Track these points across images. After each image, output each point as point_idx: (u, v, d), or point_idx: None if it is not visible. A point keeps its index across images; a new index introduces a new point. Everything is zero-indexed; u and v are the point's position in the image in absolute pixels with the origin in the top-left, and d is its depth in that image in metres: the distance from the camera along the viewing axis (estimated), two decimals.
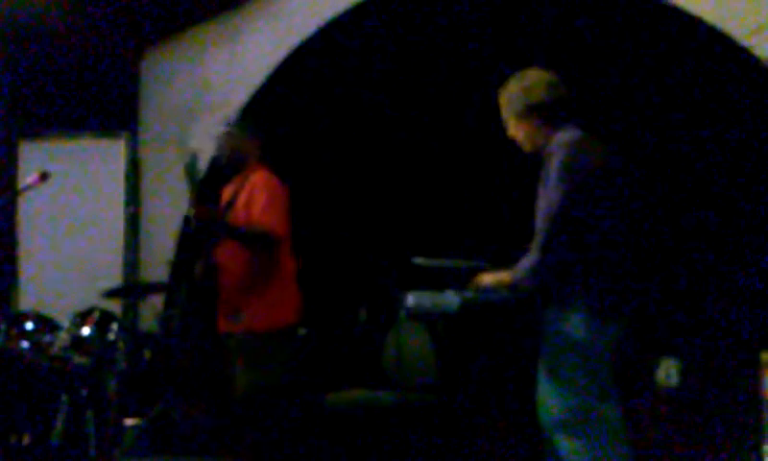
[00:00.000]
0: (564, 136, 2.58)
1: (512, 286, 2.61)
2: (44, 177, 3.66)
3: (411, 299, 2.72)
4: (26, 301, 5.18)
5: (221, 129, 3.45)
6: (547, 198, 2.52)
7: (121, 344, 5.05)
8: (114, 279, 5.94)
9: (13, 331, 5.01)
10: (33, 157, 6.16)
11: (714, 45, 3.80)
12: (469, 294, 2.69)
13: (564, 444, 2.60)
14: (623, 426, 2.53)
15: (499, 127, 2.85)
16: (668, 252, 3.96)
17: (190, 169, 3.21)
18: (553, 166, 2.53)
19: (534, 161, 2.80)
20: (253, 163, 3.41)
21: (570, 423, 2.57)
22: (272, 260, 3.27)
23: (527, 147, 2.76)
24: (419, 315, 2.81)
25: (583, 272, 2.54)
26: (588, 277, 2.53)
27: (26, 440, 4.76)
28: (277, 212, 3.24)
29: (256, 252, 3.26)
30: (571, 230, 2.49)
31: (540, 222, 2.54)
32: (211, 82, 6.08)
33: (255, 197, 3.27)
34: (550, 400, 2.64)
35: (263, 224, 3.22)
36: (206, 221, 3.21)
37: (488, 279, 2.68)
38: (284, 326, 3.30)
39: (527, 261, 2.56)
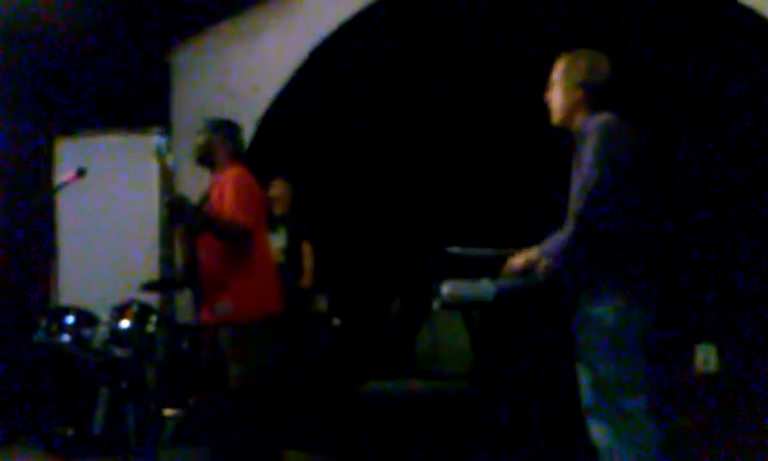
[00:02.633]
0: (601, 119, 2.58)
1: (541, 266, 2.58)
2: (81, 173, 3.71)
3: (446, 288, 2.72)
4: (66, 295, 5.27)
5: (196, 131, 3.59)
6: (582, 179, 2.51)
7: (159, 336, 5.13)
8: (151, 272, 6.02)
9: (55, 326, 5.10)
10: (68, 155, 6.26)
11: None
12: (505, 282, 2.69)
13: (594, 427, 2.61)
14: (650, 419, 2.51)
15: (529, 115, 2.84)
16: (705, 238, 3.93)
17: (159, 155, 3.33)
18: (589, 147, 2.52)
19: (563, 149, 2.80)
20: (226, 161, 3.54)
21: (599, 410, 2.57)
22: (243, 253, 3.36)
23: (557, 117, 2.76)
24: (454, 304, 2.81)
25: (614, 255, 2.52)
26: (620, 260, 2.52)
27: (68, 431, 4.86)
28: (245, 206, 3.34)
29: (227, 243, 3.34)
30: (605, 210, 2.48)
31: (573, 202, 2.53)
32: (236, 78, 6.13)
33: (226, 192, 3.39)
34: (583, 383, 2.65)
35: (230, 216, 3.31)
36: (178, 208, 3.31)
37: (517, 260, 2.67)
38: (260, 315, 3.36)
39: (558, 238, 2.56)
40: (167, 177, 3.33)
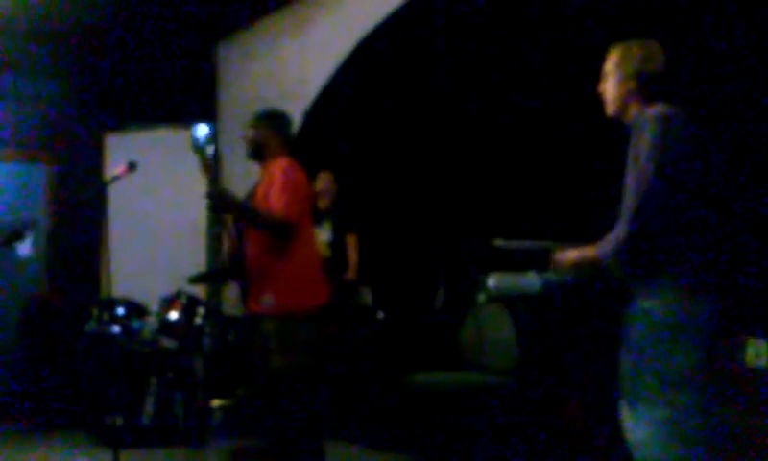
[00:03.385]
0: (657, 110, 2.53)
1: (596, 262, 2.55)
2: (131, 167, 3.73)
3: (492, 280, 2.70)
4: (116, 287, 5.37)
5: (245, 124, 3.58)
6: (637, 171, 2.46)
7: (207, 327, 5.20)
8: (199, 264, 6.10)
9: (105, 317, 5.22)
10: (117, 149, 6.38)
11: None
12: (552, 275, 2.67)
13: (628, 419, 2.53)
14: (697, 415, 2.43)
15: (576, 109, 2.81)
16: (755, 229, 3.84)
17: (197, 147, 3.30)
18: (644, 140, 2.47)
19: (613, 143, 2.76)
20: (274, 153, 3.49)
21: (637, 402, 2.51)
22: (288, 245, 3.33)
23: (611, 108, 2.71)
24: (499, 297, 2.79)
25: (670, 248, 2.48)
26: (676, 254, 2.48)
27: (118, 421, 4.96)
28: (291, 200, 3.30)
29: (271, 237, 3.33)
30: (661, 205, 2.43)
31: (630, 196, 2.49)
32: (284, 70, 6.16)
33: (273, 185, 3.37)
34: (624, 374, 2.58)
35: (275, 209, 3.30)
36: (218, 201, 3.32)
37: (571, 254, 2.63)
38: (304, 308, 3.34)
39: (614, 235, 2.50)
40: (207, 168, 3.31)
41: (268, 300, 3.34)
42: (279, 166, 3.39)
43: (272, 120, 3.55)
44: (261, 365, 3.37)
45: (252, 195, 3.55)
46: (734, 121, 3.82)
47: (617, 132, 2.71)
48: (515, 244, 2.90)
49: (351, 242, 5.37)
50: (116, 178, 3.76)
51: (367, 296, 5.37)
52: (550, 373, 4.28)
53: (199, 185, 3.40)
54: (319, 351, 3.38)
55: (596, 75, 2.79)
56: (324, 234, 5.29)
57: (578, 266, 2.61)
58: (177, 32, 6.63)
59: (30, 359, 5.99)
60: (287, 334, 3.29)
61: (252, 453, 4.69)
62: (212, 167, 3.33)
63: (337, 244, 5.32)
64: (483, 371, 4.29)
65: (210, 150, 3.34)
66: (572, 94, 4.05)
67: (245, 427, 5.13)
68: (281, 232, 3.30)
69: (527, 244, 2.88)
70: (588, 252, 2.58)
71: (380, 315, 5.27)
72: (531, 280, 2.67)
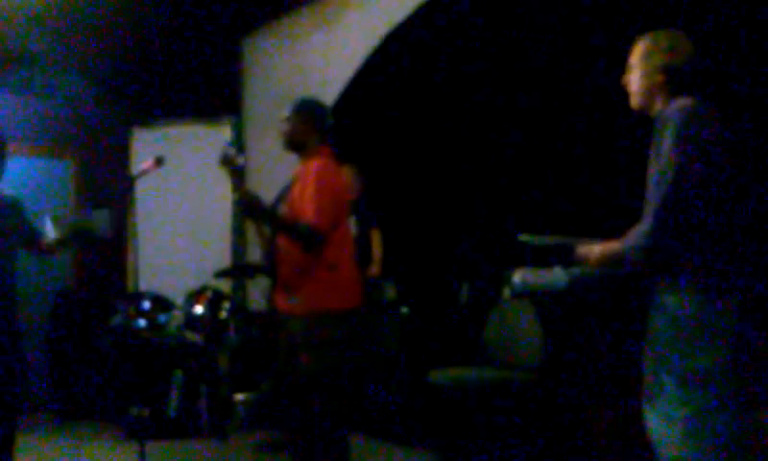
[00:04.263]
0: (681, 103, 2.49)
1: (621, 258, 2.52)
2: (159, 162, 3.73)
3: (518, 276, 2.68)
4: (143, 281, 5.42)
5: (282, 116, 3.49)
6: (661, 166, 2.43)
7: (232, 322, 5.24)
8: (224, 260, 6.14)
9: (132, 310, 5.27)
10: (144, 144, 6.43)
11: None
12: (578, 270, 2.64)
13: (650, 416, 2.51)
14: (721, 414, 2.39)
15: (602, 102, 2.77)
16: None
17: (225, 159, 3.26)
18: (668, 133, 2.44)
19: (636, 137, 2.73)
20: (312, 150, 3.41)
21: (659, 399, 2.49)
22: (316, 250, 3.28)
23: (636, 101, 2.67)
24: (525, 292, 2.77)
25: (696, 245, 2.44)
26: (702, 250, 2.44)
27: (144, 413, 5.00)
28: (322, 205, 3.23)
29: (299, 244, 3.30)
30: (685, 200, 2.40)
31: (653, 190, 2.45)
32: (310, 65, 6.16)
33: (307, 189, 3.29)
34: (647, 370, 2.56)
35: (307, 217, 3.24)
36: (250, 210, 3.28)
37: (596, 249, 2.60)
38: (334, 308, 3.30)
39: (638, 230, 2.47)
40: (235, 179, 3.28)
41: (297, 299, 3.31)
42: (314, 168, 3.32)
43: (310, 110, 3.45)
44: (287, 363, 3.36)
45: (286, 192, 3.50)
46: (762, 117, 3.77)
47: (640, 125, 2.68)
48: (540, 239, 2.87)
49: (375, 237, 5.37)
50: (144, 172, 3.77)
51: (391, 291, 5.36)
52: (576, 370, 4.25)
53: (224, 180, 3.39)
54: (346, 351, 3.35)
55: (620, 68, 2.76)
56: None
57: (603, 261, 2.59)
58: (203, 27, 6.67)
59: (57, 352, 6.05)
60: (315, 335, 3.26)
61: (276, 446, 4.71)
62: (241, 178, 3.30)
63: (361, 239, 5.32)
64: (507, 367, 4.27)
65: (240, 161, 3.30)
66: (598, 87, 4.02)
67: (269, 421, 5.16)
68: (310, 243, 3.25)
69: (553, 240, 2.86)
70: (612, 246, 2.55)
71: (404, 310, 5.26)
72: (557, 276, 2.65)
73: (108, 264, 6.36)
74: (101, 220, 3.78)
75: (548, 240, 2.84)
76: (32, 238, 3.76)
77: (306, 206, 3.25)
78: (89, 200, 6.41)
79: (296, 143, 3.44)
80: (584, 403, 4.15)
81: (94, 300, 6.17)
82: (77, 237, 3.78)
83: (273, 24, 6.56)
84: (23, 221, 3.73)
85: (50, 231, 3.72)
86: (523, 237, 2.89)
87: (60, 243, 3.78)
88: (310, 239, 3.22)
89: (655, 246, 2.44)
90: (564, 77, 4.70)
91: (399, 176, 5.70)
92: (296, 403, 3.35)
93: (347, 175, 5.33)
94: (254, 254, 5.98)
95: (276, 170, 3.92)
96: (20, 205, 3.74)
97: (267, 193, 3.70)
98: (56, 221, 3.73)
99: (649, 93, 2.63)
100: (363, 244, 5.30)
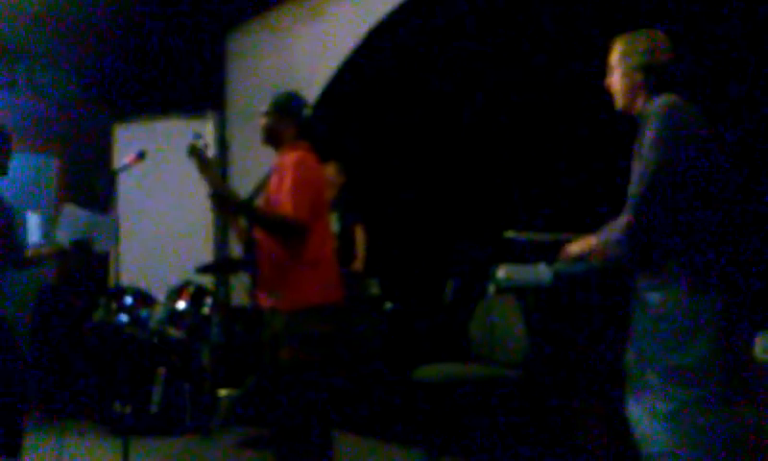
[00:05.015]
0: (662, 101, 2.51)
1: (600, 252, 2.53)
2: (141, 156, 3.72)
3: (502, 271, 2.69)
4: (125, 276, 5.38)
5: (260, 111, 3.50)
6: (643, 162, 2.45)
7: (214, 317, 5.21)
8: (206, 255, 6.11)
9: (114, 305, 5.23)
10: (126, 139, 6.39)
11: None
12: (562, 267, 2.65)
13: (634, 411, 2.53)
14: (704, 410, 2.40)
15: (583, 100, 2.78)
16: (762, 221, 3.81)
17: (194, 151, 3.23)
18: (649, 130, 2.46)
19: (622, 131, 2.74)
20: (289, 144, 3.40)
21: (643, 395, 2.50)
22: (297, 242, 3.27)
23: (619, 102, 2.69)
24: (509, 288, 2.78)
25: (678, 240, 2.45)
26: (684, 246, 2.45)
27: (126, 409, 4.97)
28: (300, 198, 3.21)
29: (278, 237, 3.29)
30: (666, 195, 2.41)
31: (634, 185, 2.48)
32: (294, 60, 6.15)
33: (284, 181, 3.27)
34: (630, 366, 2.58)
35: (285, 209, 3.22)
36: (222, 204, 3.26)
37: (575, 247, 2.62)
38: (315, 303, 3.30)
39: (616, 224, 2.49)
40: (206, 171, 3.25)
41: (278, 295, 3.30)
42: (291, 161, 3.31)
43: (287, 105, 3.47)
44: (270, 359, 3.35)
45: (263, 185, 3.49)
46: (743, 114, 3.80)
47: (626, 124, 2.70)
48: (525, 236, 2.88)
49: (359, 233, 5.37)
50: (125, 167, 3.75)
51: (375, 287, 5.36)
52: (559, 366, 4.27)
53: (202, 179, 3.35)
54: (328, 345, 3.35)
55: (604, 67, 2.77)
56: (331, 225, 5.28)
57: (582, 256, 2.60)
58: (187, 22, 6.63)
59: (39, 348, 6.01)
60: (297, 330, 3.25)
61: (259, 442, 4.70)
62: (212, 168, 3.27)
63: (344, 235, 5.31)
64: (492, 363, 4.28)
65: (209, 152, 3.27)
66: (584, 86, 4.03)
67: (251, 417, 5.15)
68: (290, 235, 3.25)
69: (537, 236, 2.87)
70: (590, 241, 2.57)
71: (388, 306, 5.27)
72: (541, 272, 2.66)
73: (90, 259, 6.31)
74: (107, 230, 3.74)
75: (533, 237, 2.85)
76: (16, 248, 3.70)
77: (284, 199, 3.23)
78: (73, 194, 6.36)
79: (273, 137, 3.44)
80: (568, 399, 4.17)
81: (76, 295, 6.12)
82: (77, 248, 3.72)
83: (257, 19, 6.54)
84: (12, 228, 3.67)
85: (34, 230, 3.69)
86: (508, 233, 2.91)
87: (45, 257, 3.76)
88: (289, 231, 3.21)
89: (631, 239, 2.45)
90: (550, 69, 4.71)
91: (384, 171, 5.69)
92: (278, 399, 3.34)
93: (329, 170, 5.32)
94: (237, 249, 5.95)
95: (260, 165, 3.90)
96: (15, 214, 3.69)
97: (250, 186, 3.67)
98: (64, 223, 3.68)
99: (630, 93, 2.65)
100: (346, 240, 5.30)
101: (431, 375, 4.25)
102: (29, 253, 3.76)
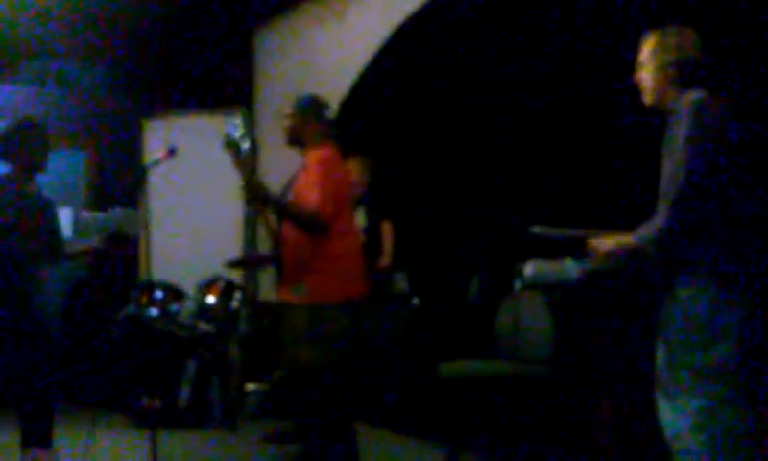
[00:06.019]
0: (692, 97, 2.49)
1: (634, 251, 2.52)
2: (171, 152, 3.75)
3: (529, 268, 2.68)
4: (156, 271, 5.44)
5: (284, 112, 3.56)
6: (674, 159, 2.44)
7: (243, 312, 5.26)
8: (235, 250, 6.15)
9: (144, 299, 5.30)
10: (156, 135, 6.45)
11: None
12: (590, 263, 2.64)
13: (664, 409, 2.53)
14: (730, 410, 2.41)
15: (610, 97, 2.76)
16: None
17: (229, 143, 3.28)
18: (680, 127, 2.45)
19: (649, 130, 2.72)
20: (312, 142, 3.48)
21: (672, 392, 2.49)
22: (323, 237, 3.31)
23: (648, 98, 2.68)
24: (536, 285, 2.77)
25: (709, 238, 2.44)
26: (715, 244, 2.44)
27: (156, 403, 5.03)
28: (325, 193, 3.28)
29: (305, 230, 3.32)
30: (701, 194, 2.40)
31: (668, 184, 2.46)
32: (320, 58, 6.16)
33: (310, 177, 3.35)
34: (659, 363, 2.56)
35: (309, 203, 3.29)
36: (254, 195, 3.32)
37: (608, 242, 2.61)
38: (339, 299, 3.31)
39: (653, 224, 2.47)
40: (240, 163, 3.30)
41: (300, 290, 3.33)
42: (316, 158, 3.37)
43: (309, 107, 3.54)
44: (292, 354, 3.37)
45: (290, 184, 3.54)
46: None
47: (653, 119, 2.68)
48: (552, 231, 2.86)
49: (386, 229, 5.37)
50: (156, 163, 3.79)
51: (402, 282, 5.36)
52: (585, 363, 4.24)
53: (235, 172, 3.40)
54: (351, 341, 3.37)
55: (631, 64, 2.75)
56: (357, 221, 5.29)
57: (615, 253, 2.59)
58: (215, 19, 6.68)
59: (71, 342, 6.09)
60: (318, 325, 3.28)
61: (286, 437, 4.73)
62: (246, 161, 3.33)
63: (371, 230, 5.32)
64: (518, 360, 4.27)
65: (245, 144, 3.33)
66: (613, 81, 4.00)
67: (278, 411, 5.18)
68: (314, 229, 3.28)
69: (565, 232, 2.85)
70: (625, 239, 2.55)
71: (415, 302, 5.27)
72: (568, 268, 2.65)
73: (121, 254, 6.39)
74: (131, 221, 3.77)
75: (560, 232, 2.84)
76: (56, 245, 3.74)
77: (310, 194, 3.29)
78: (103, 190, 6.45)
79: (297, 138, 3.52)
80: (593, 397, 4.14)
81: (107, 289, 6.20)
82: (110, 242, 3.75)
83: (284, 16, 6.57)
84: (55, 228, 3.71)
85: (66, 227, 3.72)
86: (535, 229, 2.89)
87: (83, 252, 3.80)
88: (313, 224, 3.26)
89: (670, 240, 2.44)
90: (577, 69, 4.69)
91: (410, 168, 5.70)
92: (300, 394, 3.37)
93: (354, 167, 5.34)
94: (266, 245, 5.99)
95: (287, 162, 3.93)
96: (55, 209, 3.73)
97: (278, 185, 3.72)
98: (84, 222, 3.72)
99: (661, 89, 2.64)
100: (373, 235, 5.31)
101: (457, 371, 4.25)
102: (66, 248, 3.80)
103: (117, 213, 3.75)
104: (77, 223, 3.82)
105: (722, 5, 3.84)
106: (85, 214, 3.87)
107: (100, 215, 3.89)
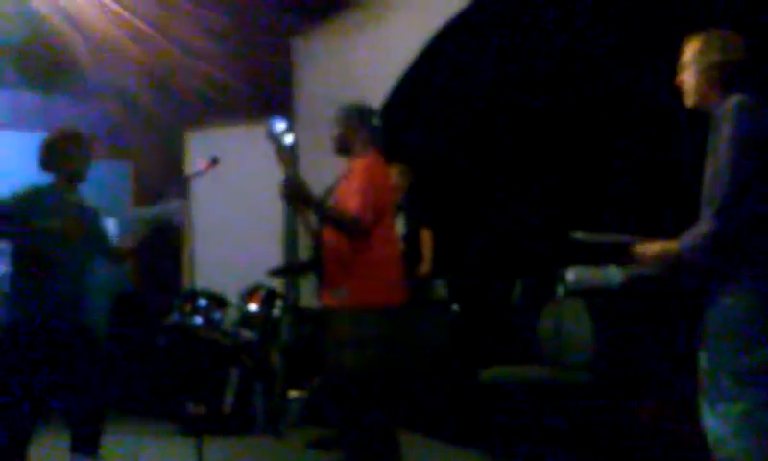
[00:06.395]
0: (735, 100, 2.47)
1: (680, 258, 2.50)
2: (215, 162, 3.79)
3: (572, 273, 2.67)
4: (200, 279, 5.52)
5: (330, 119, 3.55)
6: (718, 164, 2.41)
7: (284, 320, 5.30)
8: (277, 258, 6.21)
9: (188, 308, 5.37)
10: (198, 145, 6.56)
11: None
12: (632, 269, 2.63)
13: (707, 415, 2.49)
14: None
15: (653, 103, 2.74)
16: None
17: (273, 137, 3.28)
18: (725, 131, 2.42)
19: (692, 136, 2.70)
20: (359, 150, 3.46)
21: (714, 398, 2.46)
22: (363, 242, 3.29)
23: (690, 99, 2.66)
24: (579, 291, 2.76)
25: (752, 243, 2.41)
26: (758, 250, 2.41)
27: (200, 409, 5.09)
28: (366, 199, 3.26)
29: (344, 234, 3.33)
30: (746, 199, 2.37)
31: (711, 190, 2.44)
32: (359, 65, 6.20)
33: (354, 184, 3.33)
34: (702, 369, 2.53)
35: (350, 208, 3.27)
36: (294, 190, 3.29)
37: (653, 248, 2.59)
38: (379, 304, 3.31)
39: (698, 231, 2.45)
40: (284, 157, 3.31)
41: (341, 293, 3.34)
42: (360, 166, 3.37)
43: (356, 115, 3.54)
44: (333, 360, 3.39)
45: (331, 191, 3.55)
46: None
47: (695, 123, 2.66)
48: (594, 237, 2.85)
49: (426, 236, 5.37)
50: (199, 172, 3.84)
51: (442, 289, 5.36)
52: (627, 369, 4.20)
53: (277, 180, 3.42)
54: (393, 347, 3.37)
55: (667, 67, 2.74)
56: (397, 228, 5.30)
57: (660, 260, 2.57)
58: (254, 28, 6.76)
59: (118, 349, 6.20)
60: (360, 330, 3.28)
61: (329, 444, 4.75)
62: (290, 158, 3.34)
63: (411, 237, 5.33)
64: (560, 366, 4.24)
65: (288, 140, 3.34)
66: (653, 86, 3.97)
67: (321, 417, 5.21)
68: (353, 233, 3.29)
69: (607, 238, 2.84)
70: (670, 246, 2.53)
71: (455, 308, 5.26)
72: (611, 274, 2.64)
73: (166, 263, 6.50)
74: (177, 210, 3.79)
75: (602, 238, 2.82)
76: (107, 250, 3.82)
77: (351, 200, 3.30)
78: (148, 199, 6.55)
79: (343, 146, 3.52)
80: (635, 403, 4.10)
81: (152, 297, 6.30)
82: (157, 232, 3.80)
83: (322, 24, 6.62)
84: (101, 232, 3.79)
85: (114, 235, 3.76)
86: (577, 235, 2.88)
87: (136, 247, 3.85)
88: (353, 228, 3.27)
89: (716, 247, 2.42)
90: (622, 76, 4.65)
91: (450, 174, 5.69)
92: (342, 400, 3.38)
93: (394, 173, 5.34)
94: (306, 253, 6.03)
95: (328, 170, 3.96)
96: (99, 216, 3.80)
97: (319, 189, 3.73)
98: (132, 219, 3.75)
99: (703, 91, 2.62)
100: (413, 242, 5.32)
101: (498, 377, 4.24)
102: (115, 250, 3.87)
103: (165, 206, 3.79)
104: (123, 224, 3.84)
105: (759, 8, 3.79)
106: (133, 210, 3.88)
107: (147, 210, 3.92)
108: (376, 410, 3.30)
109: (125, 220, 3.75)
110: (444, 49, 5.48)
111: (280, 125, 3.33)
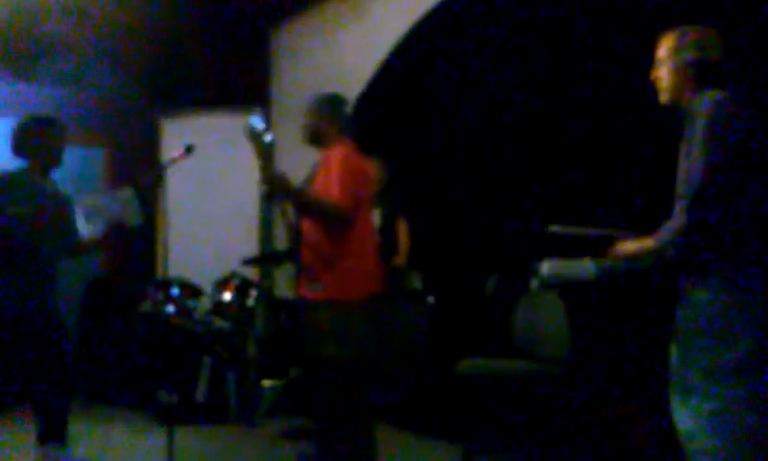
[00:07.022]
0: (710, 97, 2.48)
1: (655, 254, 2.52)
2: (189, 150, 3.77)
3: (546, 267, 2.68)
4: (172, 268, 5.47)
5: (303, 110, 3.55)
6: (692, 160, 2.42)
7: (259, 309, 5.28)
8: (251, 247, 6.18)
9: (161, 297, 5.33)
10: (173, 133, 6.50)
11: None
12: (607, 262, 2.64)
13: (678, 409, 2.52)
14: (747, 411, 2.39)
15: (633, 96, 2.74)
16: None
17: (253, 135, 3.28)
18: (699, 127, 2.43)
19: (664, 128, 2.71)
20: (332, 140, 3.48)
21: (687, 393, 2.49)
22: (344, 231, 3.32)
23: (665, 97, 2.66)
24: (553, 284, 2.76)
25: (727, 240, 2.43)
26: (732, 246, 2.43)
27: (172, 398, 5.06)
28: (348, 188, 3.29)
29: (325, 223, 3.33)
30: (719, 195, 2.39)
31: (686, 185, 2.45)
32: (338, 55, 6.17)
33: (331, 172, 3.35)
34: (674, 364, 2.56)
35: (331, 196, 3.29)
36: (275, 187, 3.31)
37: (629, 246, 2.61)
38: (358, 295, 3.32)
39: (671, 227, 2.47)
40: (263, 155, 3.31)
41: (320, 286, 3.34)
42: (337, 155, 3.37)
43: (328, 105, 3.53)
44: (313, 352, 3.38)
45: (308, 182, 3.55)
46: None
47: (669, 119, 2.67)
48: (570, 230, 2.86)
49: (401, 227, 5.37)
50: (173, 161, 3.81)
51: (417, 281, 5.37)
52: (601, 363, 4.23)
53: (251, 169, 3.42)
54: (371, 339, 3.38)
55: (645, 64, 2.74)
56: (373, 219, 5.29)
57: (637, 257, 2.58)
58: (232, 17, 6.70)
59: (88, 338, 6.13)
60: (339, 322, 3.29)
61: (303, 433, 4.74)
62: (269, 155, 3.34)
63: (386, 229, 5.32)
64: (535, 359, 4.26)
65: (267, 137, 3.34)
66: (628, 81, 3.99)
67: (296, 408, 5.20)
68: (335, 219, 3.30)
69: (582, 230, 2.85)
70: (646, 242, 2.55)
71: (430, 300, 5.27)
72: (586, 268, 2.64)
73: (139, 252, 6.43)
74: (127, 204, 3.73)
75: (577, 231, 2.83)
76: (73, 240, 3.75)
77: (331, 188, 3.30)
78: (121, 188, 6.48)
79: (315, 137, 3.53)
80: (610, 397, 4.13)
81: (124, 286, 6.24)
82: (115, 230, 3.74)
83: (301, 14, 6.58)
84: (71, 221, 3.72)
85: (83, 227, 3.72)
86: (552, 228, 2.89)
87: (96, 243, 3.79)
88: (335, 215, 3.27)
89: (688, 241, 2.43)
90: (597, 66, 4.67)
91: (427, 165, 5.69)
92: (319, 391, 3.38)
93: (370, 166, 5.32)
94: (281, 242, 6.02)
95: (304, 161, 3.95)
96: (72, 203, 3.73)
97: (295, 180, 3.71)
98: (84, 210, 3.70)
99: (678, 88, 2.62)
100: (388, 233, 5.31)
101: (473, 369, 4.25)
102: (80, 242, 3.82)
103: (113, 197, 3.73)
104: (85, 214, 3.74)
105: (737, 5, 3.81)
106: (83, 198, 3.78)
107: (94, 197, 3.83)
108: (352, 402, 3.30)
109: (81, 211, 3.66)
110: (425, 40, 5.46)
111: (260, 123, 3.32)
